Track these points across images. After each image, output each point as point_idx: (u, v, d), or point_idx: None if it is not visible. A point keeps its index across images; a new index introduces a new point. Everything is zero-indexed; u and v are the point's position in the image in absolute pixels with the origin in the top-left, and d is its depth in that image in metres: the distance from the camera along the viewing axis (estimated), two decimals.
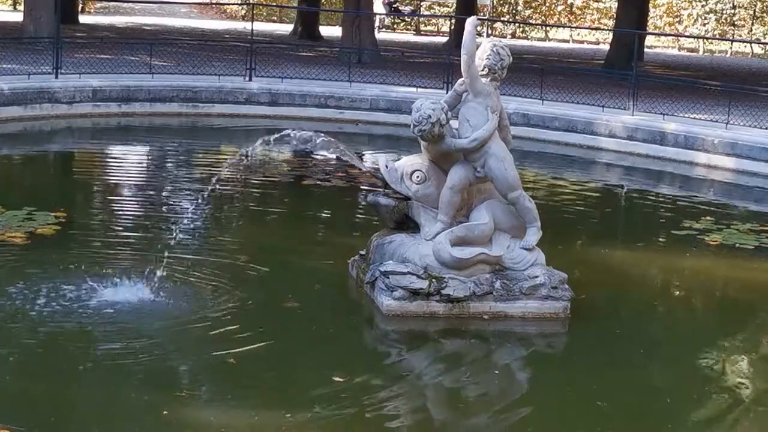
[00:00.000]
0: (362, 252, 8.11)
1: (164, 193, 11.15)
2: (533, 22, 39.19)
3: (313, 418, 5.72)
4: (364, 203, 10.27)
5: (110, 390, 5.92)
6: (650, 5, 30.86)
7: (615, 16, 28.48)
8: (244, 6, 31.86)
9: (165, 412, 5.64)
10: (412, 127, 7.44)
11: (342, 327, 7.30)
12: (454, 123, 7.58)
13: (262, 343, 6.76)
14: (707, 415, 6.36)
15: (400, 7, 36.03)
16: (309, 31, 28.18)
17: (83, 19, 29.11)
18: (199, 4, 40.69)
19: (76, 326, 6.75)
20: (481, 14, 33.67)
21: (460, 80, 7.60)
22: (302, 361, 6.60)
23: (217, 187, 8.01)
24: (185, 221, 9.05)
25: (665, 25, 38.89)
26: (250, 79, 17.51)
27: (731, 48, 36.22)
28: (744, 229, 10.72)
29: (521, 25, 37.48)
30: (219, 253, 8.65)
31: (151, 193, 11.29)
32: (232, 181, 11.55)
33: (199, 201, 7.90)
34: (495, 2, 38.71)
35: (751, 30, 38.94)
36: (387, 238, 7.80)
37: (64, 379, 6.06)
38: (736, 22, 38.79)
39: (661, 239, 10.62)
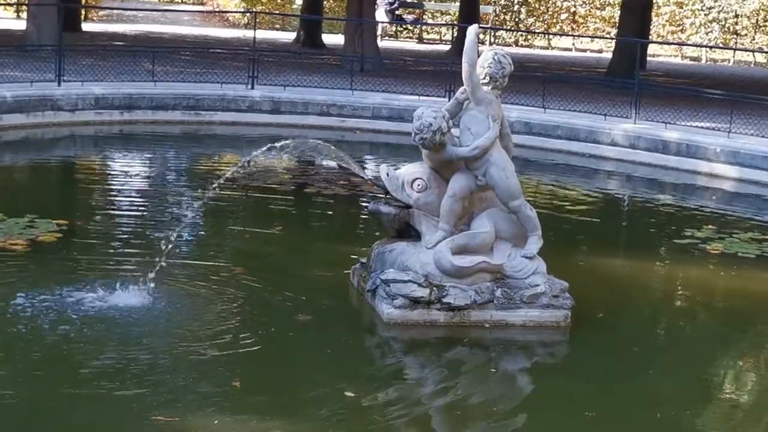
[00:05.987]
0: (363, 260, 8.11)
1: (166, 202, 11.15)
2: (536, 30, 39.18)
3: (314, 427, 5.71)
4: (365, 211, 10.26)
5: (109, 402, 5.87)
6: (653, 14, 30.82)
7: (617, 24, 28.47)
8: (247, 14, 31.88)
9: (167, 427, 5.61)
10: (413, 135, 7.44)
11: (342, 335, 7.28)
12: (455, 131, 7.58)
13: (263, 351, 6.75)
14: (704, 427, 6.34)
15: (402, 15, 36.02)
16: (311, 39, 28.17)
17: (86, 26, 29.10)
18: (202, 12, 40.75)
19: (75, 334, 6.73)
20: (484, 22, 33.66)
21: (461, 88, 7.60)
22: (303, 370, 6.59)
23: (216, 189, 7.98)
24: (186, 231, 9.05)
25: (668, 33, 38.86)
26: (253, 87, 17.50)
27: (734, 57, 36.20)
28: (746, 238, 10.71)
29: (524, 33, 37.47)
30: (220, 262, 8.64)
31: (153, 201, 11.28)
32: (233, 189, 11.55)
33: (201, 209, 7.89)
34: (497, 10, 38.71)
35: (754, 39, 38.91)
36: (388, 246, 7.80)
37: (62, 386, 6.04)
38: (738, 31, 38.75)
39: (662, 248, 10.61)
